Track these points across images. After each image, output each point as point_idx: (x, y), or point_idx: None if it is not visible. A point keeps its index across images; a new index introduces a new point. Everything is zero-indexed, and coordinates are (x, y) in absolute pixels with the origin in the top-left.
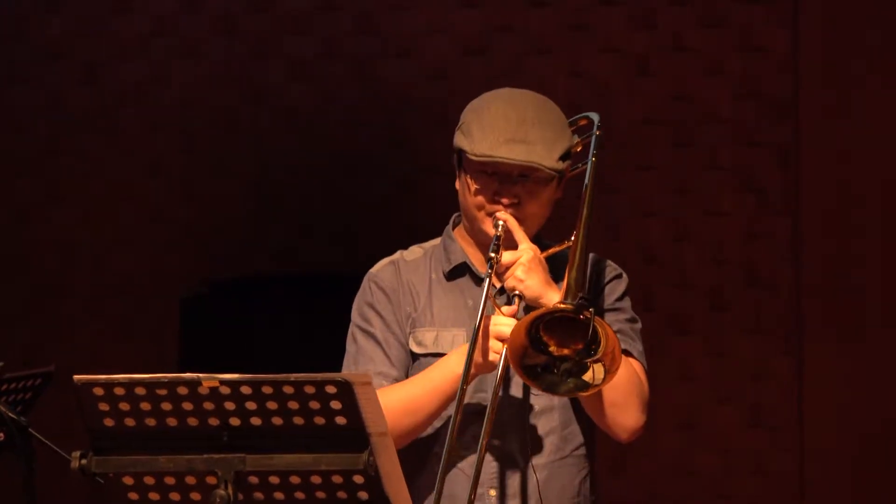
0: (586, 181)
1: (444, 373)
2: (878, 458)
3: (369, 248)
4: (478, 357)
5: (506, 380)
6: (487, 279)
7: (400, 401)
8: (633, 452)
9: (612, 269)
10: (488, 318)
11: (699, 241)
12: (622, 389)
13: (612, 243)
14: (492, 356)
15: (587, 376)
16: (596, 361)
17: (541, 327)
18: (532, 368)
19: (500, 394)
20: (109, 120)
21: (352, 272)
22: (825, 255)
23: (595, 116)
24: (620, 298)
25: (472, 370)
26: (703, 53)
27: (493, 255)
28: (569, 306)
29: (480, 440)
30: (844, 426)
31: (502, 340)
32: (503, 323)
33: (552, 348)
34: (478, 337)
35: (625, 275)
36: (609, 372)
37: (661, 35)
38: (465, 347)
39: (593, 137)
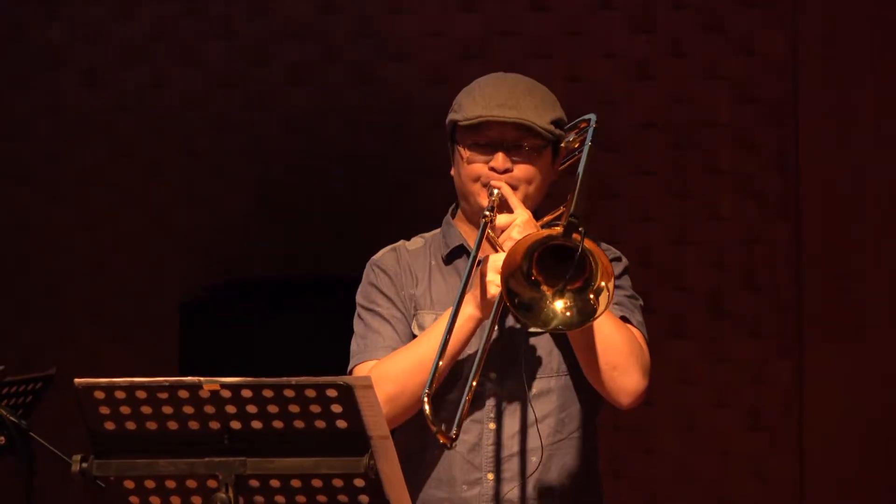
0: (587, 143)
1: (438, 329)
2: (878, 461)
3: (369, 252)
4: (477, 294)
5: (504, 361)
6: (480, 230)
7: (407, 360)
8: (632, 455)
9: (610, 251)
10: (486, 257)
11: (698, 244)
12: (622, 351)
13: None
14: (492, 290)
15: (582, 309)
16: (590, 292)
17: (534, 260)
18: (520, 299)
19: (496, 376)
20: (110, 124)
21: (352, 275)
22: (824, 258)
23: (593, 116)
24: (619, 276)
25: (475, 311)
26: (701, 57)
27: (487, 212)
28: (558, 229)
29: (469, 381)
30: (844, 430)
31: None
32: (502, 258)
33: (543, 287)
34: (472, 273)
35: (624, 258)
36: (604, 300)
37: (660, 39)
38: (465, 297)
39: (590, 129)
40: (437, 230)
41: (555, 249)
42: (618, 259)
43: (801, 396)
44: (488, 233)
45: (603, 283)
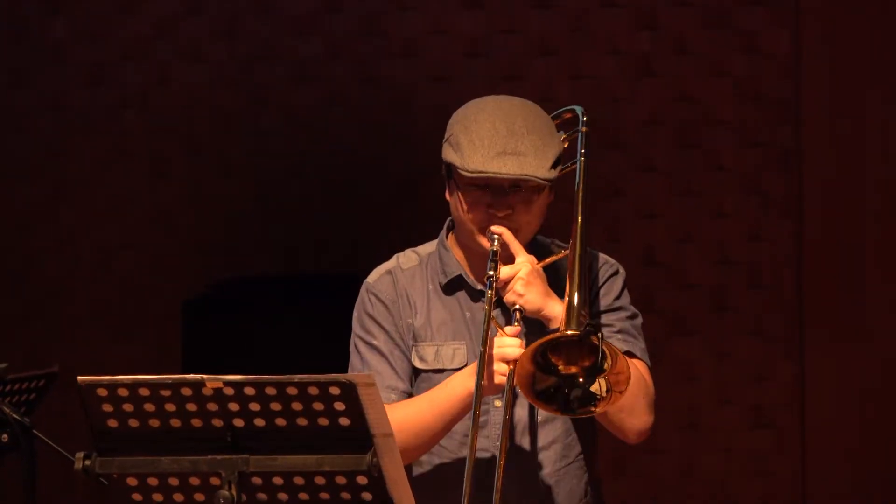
0: (577, 181)
1: (449, 394)
2: (880, 459)
3: (372, 250)
4: (484, 381)
5: (509, 389)
6: (487, 303)
7: (405, 421)
8: (635, 453)
9: (607, 266)
10: (492, 341)
11: (702, 242)
12: (629, 394)
13: (614, 245)
14: (497, 379)
15: (599, 393)
16: (606, 377)
17: (547, 350)
18: (544, 393)
19: (501, 405)
20: (113, 122)
21: (354, 273)
22: (827, 256)
23: (579, 109)
24: (619, 296)
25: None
26: (705, 55)
27: (490, 273)
28: (575, 332)
29: (498, 460)
30: (846, 427)
31: (507, 362)
32: (508, 344)
33: (560, 367)
34: (484, 362)
35: (621, 269)
36: (619, 392)
37: (664, 37)
38: (469, 369)
39: (580, 134)
40: (432, 245)
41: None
42: (615, 274)
43: (803, 394)
44: (490, 277)
45: (617, 374)
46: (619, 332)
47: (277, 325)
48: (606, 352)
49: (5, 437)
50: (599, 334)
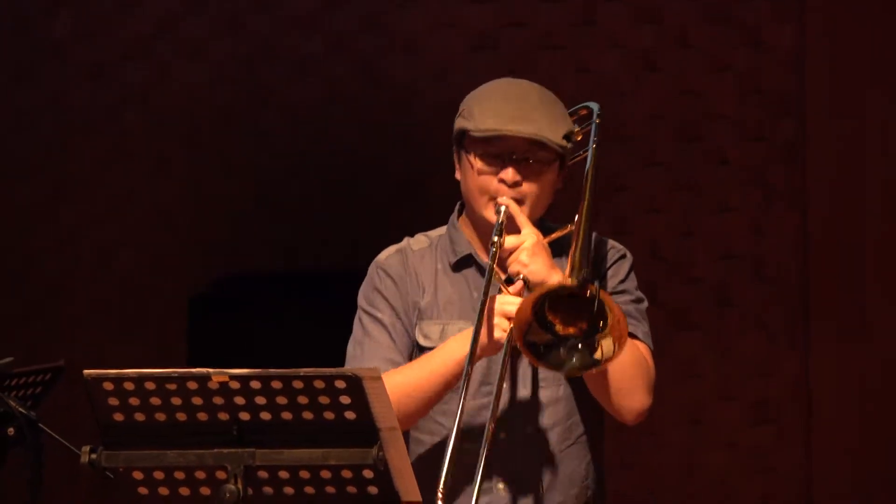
0: (588, 165)
1: (446, 357)
2: (885, 454)
3: (375, 246)
4: (483, 337)
5: (512, 371)
6: (490, 259)
7: (401, 384)
8: (638, 448)
9: (615, 249)
10: (493, 297)
11: (706, 236)
12: (628, 373)
13: (618, 239)
14: (497, 333)
15: (595, 353)
16: (603, 337)
17: (546, 306)
18: (536, 346)
19: (507, 385)
20: (114, 120)
21: (357, 270)
22: (832, 250)
23: (595, 106)
24: (624, 279)
25: (478, 351)
26: (709, 49)
27: (495, 238)
28: (573, 282)
29: (487, 425)
30: (850, 422)
31: (508, 318)
32: (509, 301)
33: (557, 327)
34: (483, 315)
35: (628, 253)
36: (617, 347)
37: (668, 31)
38: (468, 331)
39: (593, 125)
40: (442, 229)
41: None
42: (622, 257)
43: (807, 388)
44: (496, 251)
45: (617, 331)
46: (623, 313)
47: (282, 321)
48: (604, 303)
49: (11, 430)
50: (596, 283)
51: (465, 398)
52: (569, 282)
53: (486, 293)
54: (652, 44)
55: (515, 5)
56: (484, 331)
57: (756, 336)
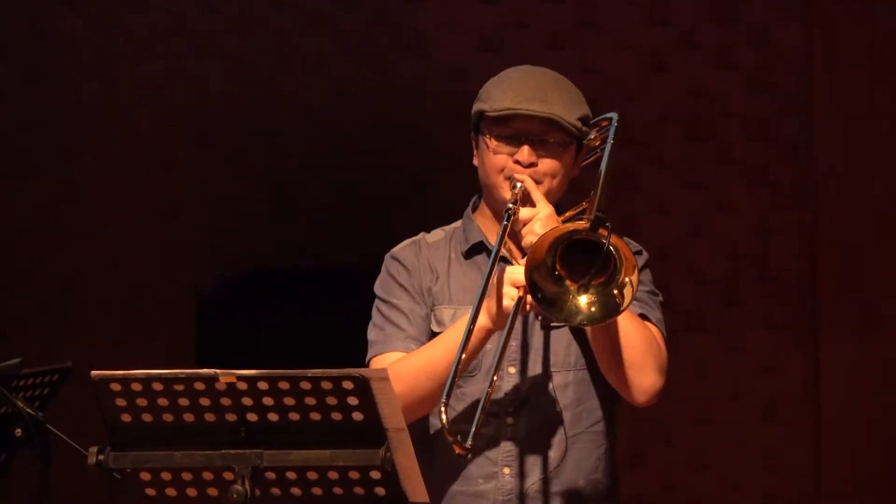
0: (609, 140)
1: (459, 334)
2: (893, 453)
3: (385, 245)
4: (492, 306)
5: (522, 355)
6: (502, 230)
7: (418, 365)
8: (649, 446)
9: (632, 245)
10: (503, 268)
11: (713, 236)
12: (639, 349)
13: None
14: (506, 302)
15: (608, 305)
16: (615, 287)
17: (557, 255)
18: (546, 298)
19: (515, 371)
20: (125, 118)
21: (367, 269)
22: (839, 249)
23: (614, 115)
24: (640, 270)
25: (487, 322)
26: (716, 49)
27: (511, 205)
28: (586, 223)
29: (490, 374)
30: (859, 420)
31: (517, 287)
32: (518, 271)
33: (567, 282)
34: (490, 277)
35: (644, 251)
36: (630, 291)
37: (675, 31)
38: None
39: (612, 128)
40: (458, 223)
41: (579, 244)
42: (639, 252)
43: (816, 387)
44: (510, 225)
45: (627, 279)
46: (636, 300)
47: (290, 320)
48: (615, 248)
49: (19, 431)
50: (608, 225)
51: (460, 357)
52: (580, 225)
53: (496, 254)
54: (659, 44)
55: (523, 5)
56: (493, 302)
57: (764, 335)
